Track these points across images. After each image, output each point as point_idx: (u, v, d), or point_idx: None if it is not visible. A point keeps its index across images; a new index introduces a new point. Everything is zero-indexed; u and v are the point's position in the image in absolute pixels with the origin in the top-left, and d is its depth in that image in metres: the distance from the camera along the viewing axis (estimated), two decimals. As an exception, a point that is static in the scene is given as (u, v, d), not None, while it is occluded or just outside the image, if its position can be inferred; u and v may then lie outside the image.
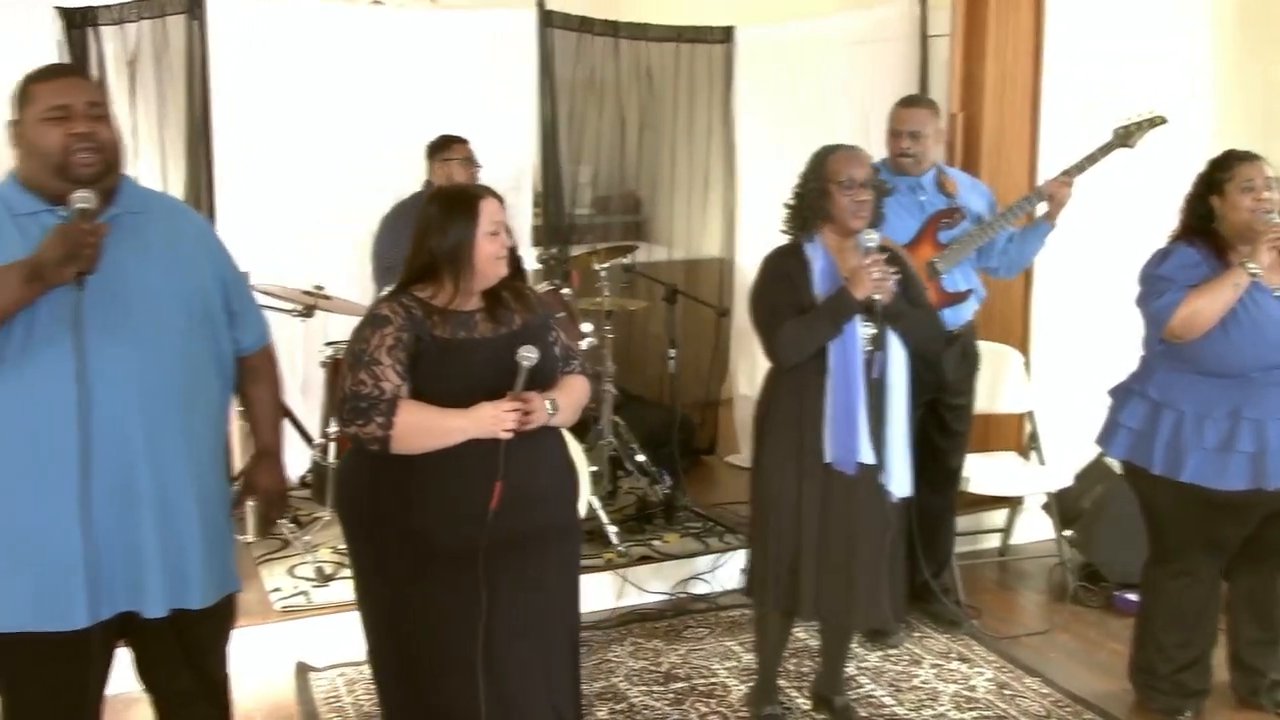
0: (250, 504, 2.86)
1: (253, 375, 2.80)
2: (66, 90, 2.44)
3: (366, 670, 3.97)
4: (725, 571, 4.76)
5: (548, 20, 5.72)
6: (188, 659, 2.70)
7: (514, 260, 2.86)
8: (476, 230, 2.72)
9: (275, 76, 5.24)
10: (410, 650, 2.79)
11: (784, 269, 3.45)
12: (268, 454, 2.86)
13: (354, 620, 4.13)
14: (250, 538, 4.74)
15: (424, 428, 2.65)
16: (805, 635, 4.25)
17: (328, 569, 4.50)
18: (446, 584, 2.70)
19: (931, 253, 4.21)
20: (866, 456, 3.33)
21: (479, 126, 5.43)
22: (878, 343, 3.33)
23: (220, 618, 2.74)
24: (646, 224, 7.00)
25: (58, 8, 4.53)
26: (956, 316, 4.26)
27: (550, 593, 2.89)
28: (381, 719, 2.96)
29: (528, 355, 2.66)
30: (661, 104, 6.06)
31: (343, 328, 5.09)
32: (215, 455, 2.67)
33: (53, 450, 2.38)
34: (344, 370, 2.74)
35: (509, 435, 2.64)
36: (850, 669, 3.96)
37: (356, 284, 5.20)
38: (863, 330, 3.32)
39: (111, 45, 4.76)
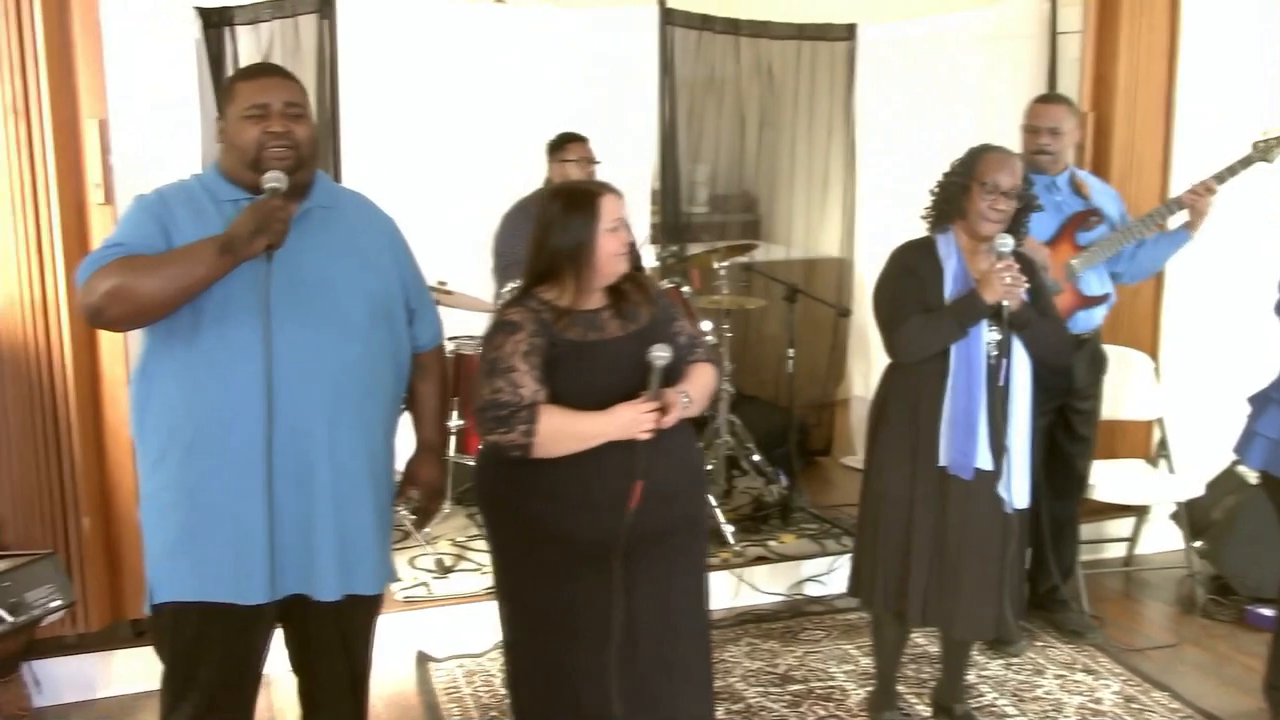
0: (410, 497, 2.90)
1: (423, 372, 2.85)
2: (266, 90, 2.53)
3: (485, 662, 4.06)
4: (841, 574, 4.67)
5: (669, 18, 5.73)
6: (342, 645, 2.76)
7: (633, 255, 2.86)
8: (598, 227, 2.71)
9: (400, 75, 5.34)
10: (547, 645, 2.81)
11: (912, 264, 3.40)
12: (431, 448, 2.92)
13: (473, 612, 4.27)
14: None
15: (565, 433, 2.65)
16: (925, 641, 4.19)
17: (447, 561, 4.57)
18: (584, 580, 2.72)
19: (1069, 254, 4.10)
20: (984, 463, 3.28)
21: (599, 124, 5.45)
22: (1003, 349, 3.27)
23: (374, 605, 2.80)
24: (762, 223, 6.96)
25: (196, 8, 4.65)
26: (1088, 320, 4.16)
27: (683, 586, 2.90)
28: (512, 712, 2.99)
29: (661, 355, 2.65)
30: (782, 102, 6.03)
31: (465, 323, 5.16)
32: (387, 447, 2.74)
33: (242, 428, 2.46)
34: (479, 378, 2.75)
35: (647, 436, 2.65)
36: (971, 677, 3.90)
37: (478, 280, 5.25)
38: (988, 335, 3.27)
39: (246, 44, 4.88)
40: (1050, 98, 4.36)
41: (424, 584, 4.41)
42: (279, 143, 2.49)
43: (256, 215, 2.38)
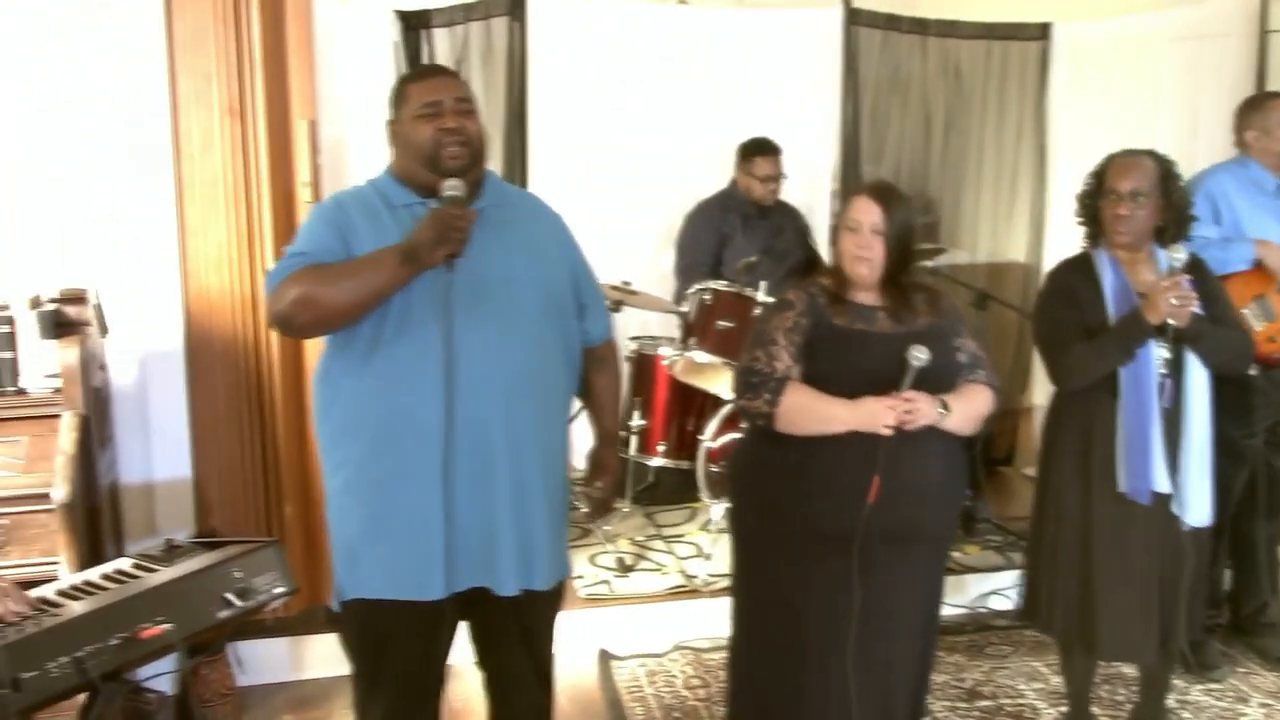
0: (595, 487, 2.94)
1: (597, 365, 2.87)
2: (437, 88, 2.58)
3: (666, 663, 4.07)
4: (1028, 589, 4.58)
5: (854, 18, 5.67)
6: (524, 640, 2.78)
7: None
8: (843, 220, 2.79)
9: (587, 75, 5.42)
10: (775, 630, 2.87)
11: (1069, 284, 3.29)
12: (610, 439, 2.95)
13: (654, 612, 4.29)
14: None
15: (807, 411, 2.73)
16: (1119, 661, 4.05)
17: (628, 560, 4.59)
18: (819, 569, 2.77)
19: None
20: (1162, 485, 3.15)
21: (781, 124, 5.48)
22: (1173, 367, 3.13)
23: (555, 600, 2.82)
24: (940, 225, 6.82)
25: (396, 11, 4.77)
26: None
27: (913, 594, 2.90)
28: (728, 709, 3.05)
29: (917, 355, 2.65)
30: (969, 103, 5.89)
31: (648, 324, 5.20)
32: (561, 441, 2.75)
33: (422, 427, 2.49)
34: (745, 345, 2.87)
35: (888, 432, 2.66)
36: (1170, 702, 3.74)
37: (661, 280, 5.28)
38: (1159, 353, 3.13)
39: (442, 45, 5.00)
40: None
41: (605, 582, 4.45)
42: (453, 139, 2.52)
43: (437, 225, 2.40)
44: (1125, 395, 3.15)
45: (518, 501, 2.59)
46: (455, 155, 2.53)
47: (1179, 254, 3.09)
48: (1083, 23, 5.77)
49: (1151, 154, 3.23)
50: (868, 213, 2.75)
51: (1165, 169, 3.21)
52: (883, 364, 2.71)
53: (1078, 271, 3.30)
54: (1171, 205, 3.21)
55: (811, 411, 2.72)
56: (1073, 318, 3.23)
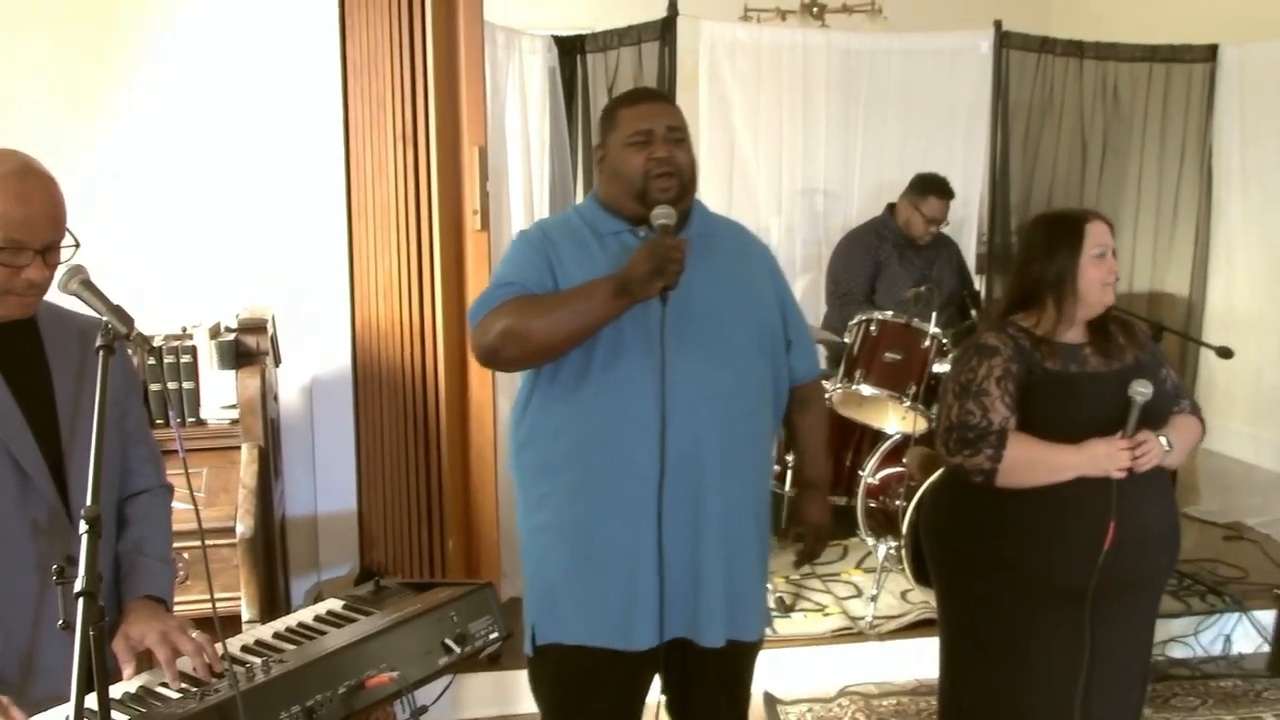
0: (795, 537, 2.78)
1: (802, 405, 2.71)
2: (649, 115, 2.45)
3: (834, 708, 3.90)
4: (1208, 636, 4.36)
5: (1005, 41, 5.51)
6: (725, 689, 2.65)
7: None
8: (1081, 254, 2.62)
9: (732, 100, 5.31)
10: (999, 688, 2.73)
11: None
12: (815, 486, 2.77)
13: (817, 655, 4.12)
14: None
15: (1034, 463, 2.59)
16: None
17: (787, 599, 4.45)
18: (1047, 624, 2.63)
19: None
20: None
21: (928, 149, 5.36)
22: None
23: (756, 649, 2.68)
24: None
25: (554, 36, 4.72)
26: None
27: (1141, 639, 2.77)
28: None
29: (1141, 391, 2.53)
30: (1129, 128, 5.65)
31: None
32: (767, 484, 2.62)
33: (636, 467, 2.37)
34: (948, 399, 2.70)
35: (1121, 475, 2.54)
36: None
37: (811, 310, 5.15)
38: None
39: (595, 71, 4.92)
40: None
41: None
42: (662, 169, 2.39)
43: (653, 257, 2.28)
44: None
45: (727, 547, 2.46)
46: (665, 188, 2.39)
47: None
48: (1255, 44, 5.50)
49: None
50: (1107, 234, 2.65)
51: None
52: (1104, 405, 2.58)
53: None
54: None
55: (1039, 462, 2.58)
56: None
